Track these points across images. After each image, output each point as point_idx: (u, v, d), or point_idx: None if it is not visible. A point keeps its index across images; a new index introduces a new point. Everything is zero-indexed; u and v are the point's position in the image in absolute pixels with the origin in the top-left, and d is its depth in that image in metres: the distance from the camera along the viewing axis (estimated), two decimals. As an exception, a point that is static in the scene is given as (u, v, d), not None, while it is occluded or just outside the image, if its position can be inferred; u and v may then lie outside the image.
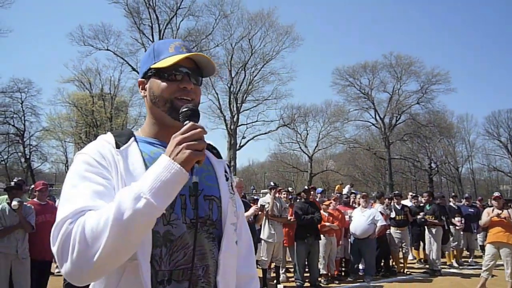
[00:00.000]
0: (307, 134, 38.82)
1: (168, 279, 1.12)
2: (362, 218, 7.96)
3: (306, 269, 7.57)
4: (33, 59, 64.22)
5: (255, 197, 11.41)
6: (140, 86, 1.33)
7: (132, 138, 1.24)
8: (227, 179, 1.36)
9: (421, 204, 9.74)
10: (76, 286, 1.09)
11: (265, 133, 35.69)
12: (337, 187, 21.37)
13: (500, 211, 6.89)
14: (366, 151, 39.96)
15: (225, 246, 1.24)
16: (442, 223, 8.89)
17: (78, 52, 33.10)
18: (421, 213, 9.09)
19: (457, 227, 9.96)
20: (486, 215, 7.11)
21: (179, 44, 1.29)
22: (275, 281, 7.49)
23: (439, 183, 43.58)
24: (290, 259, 8.21)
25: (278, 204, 7.39)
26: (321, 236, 7.56)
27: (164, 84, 1.23)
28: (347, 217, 8.32)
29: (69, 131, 33.25)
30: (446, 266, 9.64)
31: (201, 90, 1.31)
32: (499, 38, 62.00)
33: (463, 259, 10.46)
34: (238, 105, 33.36)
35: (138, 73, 1.37)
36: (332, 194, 16.26)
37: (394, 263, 9.04)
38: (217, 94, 33.40)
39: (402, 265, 9.04)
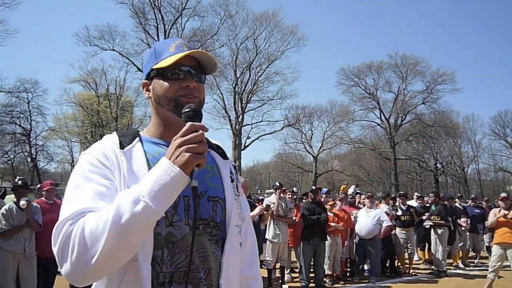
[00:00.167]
0: (312, 134, 38.81)
1: (169, 281, 1.11)
2: (368, 219, 7.94)
3: (311, 270, 7.57)
4: (40, 59, 64.72)
5: (260, 197, 11.41)
6: (144, 88, 1.33)
7: (137, 138, 1.24)
8: (232, 180, 1.34)
9: (427, 205, 9.71)
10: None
11: (270, 133, 35.71)
12: (342, 187, 21.32)
13: (507, 212, 6.85)
14: (371, 152, 39.83)
15: (229, 249, 1.23)
16: (448, 223, 8.84)
17: (84, 52, 33.18)
18: (427, 214, 9.05)
19: (462, 228, 9.91)
20: (493, 216, 7.07)
21: (180, 43, 1.29)
22: (280, 281, 7.50)
23: (445, 183, 43.34)
24: (295, 259, 8.21)
25: (283, 204, 7.39)
26: (327, 236, 7.55)
27: (166, 84, 1.23)
28: (352, 218, 8.31)
29: (75, 131, 33.43)
30: (452, 267, 9.59)
31: (204, 87, 1.31)
32: (505, 38, 61.61)
33: (469, 260, 10.40)
34: (243, 105, 33.36)
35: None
36: (337, 194, 16.22)
37: (399, 264, 9.01)
38: (222, 94, 33.49)
39: (407, 265, 9.01)
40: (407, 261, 9.03)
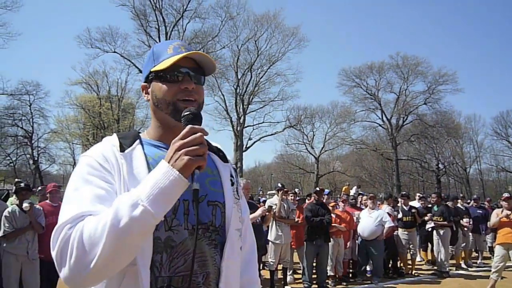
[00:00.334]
0: (314, 135, 38.89)
1: (168, 286, 1.11)
2: (370, 220, 7.93)
3: (314, 271, 7.56)
4: (41, 61, 64.85)
5: (262, 199, 11.39)
6: (144, 91, 1.32)
7: (138, 141, 1.23)
8: (232, 184, 1.33)
9: (429, 205, 9.69)
10: None
11: (272, 135, 35.82)
12: (344, 188, 21.29)
13: (509, 212, 6.82)
14: (373, 152, 39.81)
15: (228, 253, 1.22)
16: (450, 224, 8.82)
17: (85, 54, 33.47)
18: (429, 214, 9.03)
19: (465, 228, 9.89)
20: (495, 216, 7.05)
21: (178, 45, 1.27)
22: (282, 283, 7.49)
23: (447, 184, 43.32)
24: (298, 261, 8.20)
25: (285, 206, 7.39)
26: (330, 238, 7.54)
27: (165, 86, 1.22)
28: (354, 219, 8.29)
29: (76, 133, 33.59)
30: (454, 268, 9.57)
31: (203, 89, 1.30)
32: (507, 38, 61.49)
33: (471, 261, 10.38)
34: (244, 106, 33.42)
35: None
36: (339, 196, 16.21)
37: (402, 265, 8.99)
38: (223, 95, 33.61)
39: (410, 266, 8.99)
40: (409, 262, 9.01)
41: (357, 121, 38.99)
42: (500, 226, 6.98)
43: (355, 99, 39.21)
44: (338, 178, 41.92)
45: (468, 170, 41.09)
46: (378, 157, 40.06)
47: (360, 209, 8.77)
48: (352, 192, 17.03)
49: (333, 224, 7.61)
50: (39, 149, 32.94)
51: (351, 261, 8.66)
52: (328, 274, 7.65)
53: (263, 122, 34.92)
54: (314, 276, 7.51)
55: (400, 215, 8.88)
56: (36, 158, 32.34)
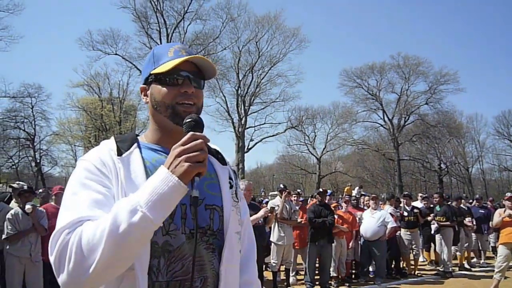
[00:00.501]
0: (315, 136, 38.81)
1: None
2: (372, 220, 7.92)
3: (317, 272, 7.55)
4: (43, 64, 65.03)
5: (265, 200, 11.38)
6: (143, 93, 1.32)
7: (135, 144, 1.22)
8: (231, 186, 1.32)
9: (431, 205, 9.67)
10: None
11: (273, 135, 35.77)
12: (346, 189, 21.28)
13: (512, 212, 6.82)
14: (374, 153, 39.75)
15: (227, 257, 1.21)
16: (453, 224, 8.79)
17: (87, 56, 33.65)
18: (431, 215, 9.01)
19: (468, 228, 9.86)
20: (498, 216, 7.04)
21: (178, 48, 1.27)
22: (285, 284, 7.49)
23: (449, 184, 43.20)
24: (300, 262, 8.19)
25: (287, 207, 7.38)
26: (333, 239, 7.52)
27: (164, 89, 1.21)
28: (357, 219, 8.28)
29: (78, 135, 33.62)
30: (457, 268, 9.55)
31: (203, 93, 1.29)
32: (508, 37, 61.39)
33: (474, 261, 10.35)
34: (245, 107, 33.42)
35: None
36: (341, 196, 16.20)
37: (405, 265, 8.97)
38: (224, 97, 33.60)
39: (413, 267, 8.97)
40: (412, 262, 8.99)
41: (358, 122, 39.02)
42: (502, 225, 6.96)
43: (357, 100, 39.25)
44: (340, 178, 41.90)
45: (470, 170, 41.06)
46: (380, 157, 40.01)
47: (362, 210, 8.76)
48: (354, 192, 17.06)
49: (335, 225, 7.60)
50: (41, 151, 32.99)
51: (353, 262, 8.64)
52: (331, 275, 7.64)
53: (264, 123, 34.96)
54: (317, 277, 7.50)
55: (405, 213, 8.84)
56: (38, 161, 32.36)
